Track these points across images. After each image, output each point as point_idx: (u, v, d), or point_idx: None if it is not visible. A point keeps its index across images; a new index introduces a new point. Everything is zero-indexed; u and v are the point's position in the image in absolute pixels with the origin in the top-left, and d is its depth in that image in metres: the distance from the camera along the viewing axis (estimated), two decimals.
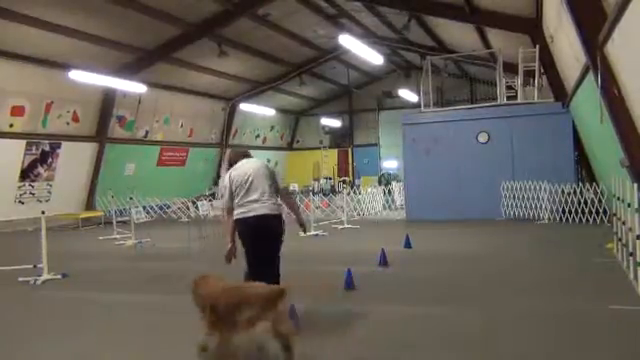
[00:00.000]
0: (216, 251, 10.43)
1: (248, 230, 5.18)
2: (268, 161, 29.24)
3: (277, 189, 5.31)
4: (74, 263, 9.45)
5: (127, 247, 11.58)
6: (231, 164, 5.42)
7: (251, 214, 5.11)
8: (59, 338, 5.38)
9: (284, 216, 5.37)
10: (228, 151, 4.95)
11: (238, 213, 5.18)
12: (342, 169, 30.02)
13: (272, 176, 5.30)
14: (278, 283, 4.95)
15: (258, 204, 5.13)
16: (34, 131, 16.14)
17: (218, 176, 24.96)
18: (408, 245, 9.99)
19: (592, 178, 13.99)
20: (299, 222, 5.54)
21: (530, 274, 7.51)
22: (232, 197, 5.21)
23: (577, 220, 12.76)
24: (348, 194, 16.68)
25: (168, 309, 6.34)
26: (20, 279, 7.98)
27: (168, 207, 18.82)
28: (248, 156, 5.50)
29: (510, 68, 15.65)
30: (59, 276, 8.17)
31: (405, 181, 16.21)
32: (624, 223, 7.04)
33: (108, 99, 17.94)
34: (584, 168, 15.05)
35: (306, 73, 23.73)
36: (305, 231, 5.59)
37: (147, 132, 20.44)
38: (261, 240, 5.18)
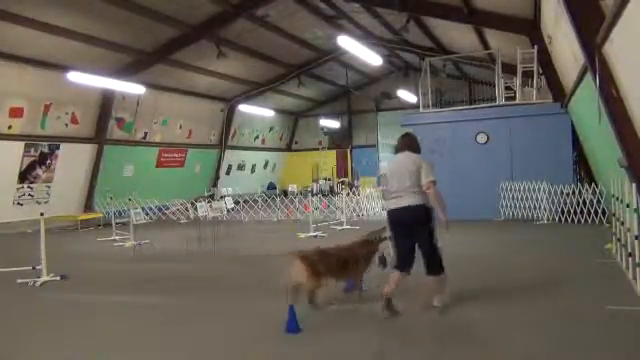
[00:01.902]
0: (214, 252, 10.45)
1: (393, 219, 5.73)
2: (267, 162, 29.29)
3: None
4: (73, 265, 9.44)
5: (126, 248, 11.57)
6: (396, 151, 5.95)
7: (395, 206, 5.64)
8: (58, 339, 5.37)
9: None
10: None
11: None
12: (341, 170, 30.02)
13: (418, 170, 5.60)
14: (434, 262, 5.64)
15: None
16: (33, 133, 16.12)
17: (217, 177, 24.98)
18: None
19: (591, 178, 14.01)
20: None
21: (528, 275, 7.52)
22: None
23: (576, 220, 12.77)
24: (347, 195, 16.70)
25: (167, 310, 6.34)
26: (19, 281, 7.97)
27: (167, 208, 18.81)
28: (411, 149, 5.86)
29: (509, 69, 15.67)
30: (58, 278, 8.17)
31: None
32: (623, 223, 7.05)
33: (107, 100, 17.92)
34: (583, 168, 15.07)
35: (305, 74, 23.73)
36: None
37: (146, 133, 20.43)
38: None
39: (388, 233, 5.96)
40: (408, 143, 5.94)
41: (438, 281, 5.73)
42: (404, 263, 5.61)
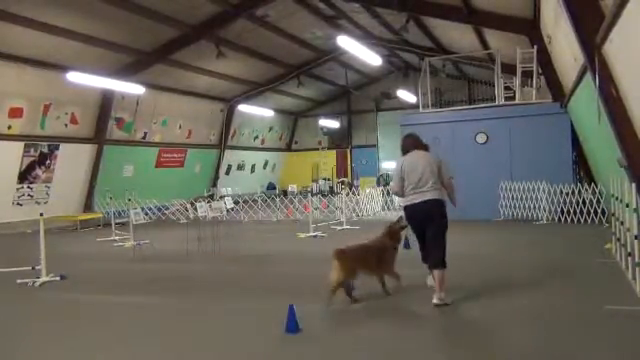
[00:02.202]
0: (214, 252, 10.45)
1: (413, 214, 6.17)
2: (266, 162, 29.29)
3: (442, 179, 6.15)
4: (73, 265, 9.44)
5: (126, 249, 11.56)
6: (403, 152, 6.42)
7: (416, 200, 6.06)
8: (58, 340, 5.37)
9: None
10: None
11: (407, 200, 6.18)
12: (341, 170, 30.02)
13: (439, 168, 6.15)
14: (440, 255, 5.96)
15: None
16: (32, 133, 16.12)
17: (217, 177, 24.97)
18: (407, 246, 9.99)
19: (590, 178, 14.01)
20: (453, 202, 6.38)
21: (528, 274, 7.52)
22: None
23: (575, 220, 12.78)
24: (347, 195, 16.69)
25: (167, 310, 6.33)
26: (19, 281, 7.97)
27: (167, 208, 18.80)
28: (419, 147, 6.37)
29: (508, 69, 15.67)
30: (58, 278, 8.17)
31: None
32: (622, 223, 7.05)
33: (106, 101, 17.92)
34: (582, 168, 15.08)
35: (304, 74, 23.73)
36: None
37: (145, 133, 20.43)
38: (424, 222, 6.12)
39: (405, 222, 6.40)
40: (415, 143, 6.40)
41: (441, 276, 5.87)
42: (431, 257, 6.02)
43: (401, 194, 6.27)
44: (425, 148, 6.36)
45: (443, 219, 6.00)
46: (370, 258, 6.19)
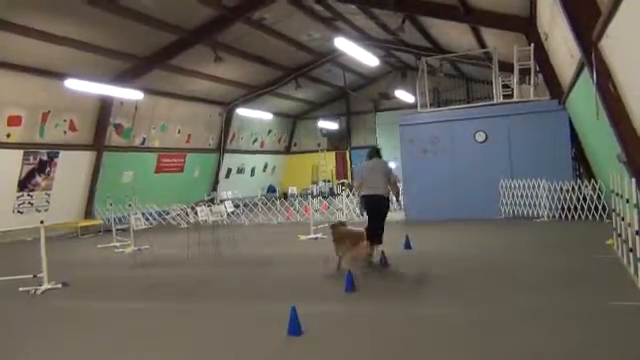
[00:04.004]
0: (215, 256, 10.44)
1: (369, 203, 8.60)
2: (266, 165, 29.31)
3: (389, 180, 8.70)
4: (74, 272, 9.44)
5: (127, 254, 11.56)
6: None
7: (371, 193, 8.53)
8: (60, 347, 5.37)
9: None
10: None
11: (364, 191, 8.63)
12: (340, 171, 30.01)
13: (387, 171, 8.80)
14: (381, 234, 8.58)
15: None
16: (31, 141, 16.12)
17: (217, 181, 24.97)
18: (408, 246, 9.99)
19: (590, 175, 14.00)
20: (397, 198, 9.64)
21: (530, 272, 7.52)
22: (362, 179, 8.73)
23: (576, 217, 12.77)
24: (347, 196, 16.68)
25: (168, 315, 6.33)
26: (20, 289, 7.96)
27: (167, 213, 18.80)
28: (377, 156, 8.97)
29: (506, 67, 15.68)
30: (59, 285, 8.17)
31: (403, 182, 16.22)
32: (623, 219, 7.05)
33: (105, 107, 17.92)
34: (582, 165, 15.07)
35: (302, 76, 23.72)
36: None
37: (144, 139, 20.43)
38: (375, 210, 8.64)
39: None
40: (376, 153, 9.05)
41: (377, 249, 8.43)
42: (374, 234, 8.32)
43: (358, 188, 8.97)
44: (381, 157, 9.09)
45: (388, 208, 8.71)
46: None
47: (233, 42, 17.61)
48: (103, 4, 13.03)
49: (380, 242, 8.46)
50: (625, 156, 7.58)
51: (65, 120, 17.01)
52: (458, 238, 11.48)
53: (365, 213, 8.72)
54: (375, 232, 8.35)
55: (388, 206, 8.68)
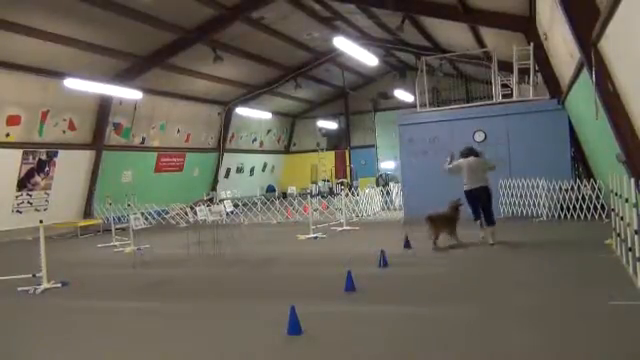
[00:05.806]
0: (215, 255, 10.44)
1: (474, 194, 10.08)
2: (265, 164, 29.31)
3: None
4: (73, 271, 9.44)
5: (126, 254, 11.55)
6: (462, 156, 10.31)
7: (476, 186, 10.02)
8: (60, 346, 5.36)
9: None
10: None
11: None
12: (340, 171, 30.00)
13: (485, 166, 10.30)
14: (493, 216, 10.12)
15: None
16: (31, 140, 16.11)
17: (216, 181, 24.95)
18: (407, 245, 10.00)
19: (589, 174, 14.01)
20: None
21: (530, 272, 7.53)
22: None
23: (575, 217, 12.78)
24: (346, 196, 16.69)
25: (168, 315, 6.33)
26: (19, 289, 7.96)
27: (166, 213, 18.79)
28: (474, 154, 10.29)
29: (505, 66, 15.69)
30: (59, 285, 8.16)
31: (403, 181, 16.23)
32: (622, 218, 7.05)
33: (104, 106, 17.91)
34: (581, 164, 15.08)
35: (301, 76, 23.73)
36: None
37: (144, 139, 20.42)
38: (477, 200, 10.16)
39: (462, 200, 10.11)
40: (473, 153, 10.34)
41: (493, 229, 9.91)
42: (489, 219, 9.95)
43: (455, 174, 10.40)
44: (478, 155, 10.28)
45: (490, 195, 10.15)
46: (443, 221, 9.92)
47: (232, 41, 17.61)
48: (99, 2, 13.01)
49: (494, 223, 9.95)
50: (624, 156, 7.59)
51: (64, 119, 17.00)
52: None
53: (470, 205, 10.16)
54: (489, 217, 9.90)
55: (491, 191, 10.17)
